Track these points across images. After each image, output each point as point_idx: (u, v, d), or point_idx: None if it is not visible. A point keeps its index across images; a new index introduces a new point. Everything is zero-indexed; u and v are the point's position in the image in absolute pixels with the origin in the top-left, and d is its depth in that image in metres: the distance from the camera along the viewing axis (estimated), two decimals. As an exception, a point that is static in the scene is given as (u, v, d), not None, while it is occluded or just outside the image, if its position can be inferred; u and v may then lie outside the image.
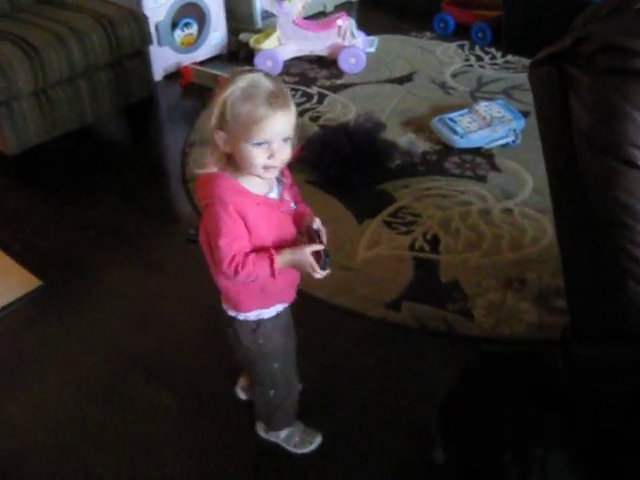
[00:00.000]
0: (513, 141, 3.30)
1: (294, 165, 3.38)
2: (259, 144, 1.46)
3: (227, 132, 1.48)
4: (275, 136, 1.46)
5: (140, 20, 3.34)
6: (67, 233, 2.91)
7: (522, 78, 3.90)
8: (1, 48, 2.98)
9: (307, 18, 4.30)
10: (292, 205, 1.66)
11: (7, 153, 3.12)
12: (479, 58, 4.19)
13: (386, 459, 1.96)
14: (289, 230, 1.64)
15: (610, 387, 1.57)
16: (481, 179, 3.09)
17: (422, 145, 3.34)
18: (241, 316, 1.72)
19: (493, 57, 4.19)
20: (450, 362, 2.25)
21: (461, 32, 4.43)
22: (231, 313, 1.73)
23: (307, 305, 2.47)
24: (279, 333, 1.78)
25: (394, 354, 2.30)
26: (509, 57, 4.16)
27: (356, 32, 4.10)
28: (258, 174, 1.52)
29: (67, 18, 3.23)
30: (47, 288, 2.62)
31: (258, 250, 1.55)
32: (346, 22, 4.04)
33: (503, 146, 3.29)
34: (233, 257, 1.51)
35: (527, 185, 3.04)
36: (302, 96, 3.85)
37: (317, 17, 4.60)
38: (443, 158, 3.25)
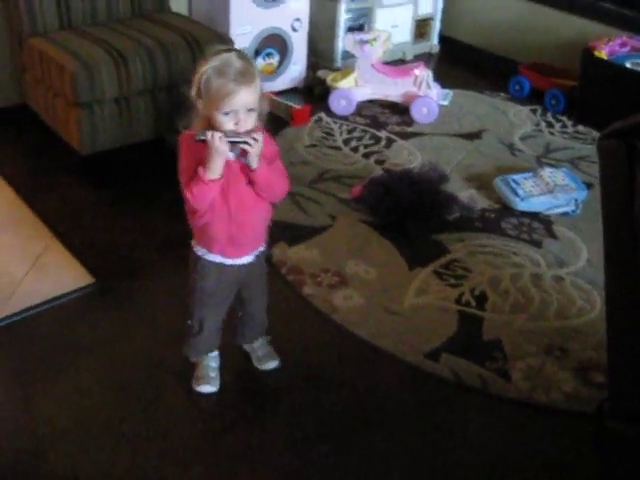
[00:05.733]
0: (573, 210, 3.30)
1: (352, 204, 3.40)
2: (227, 113, 1.79)
3: (203, 100, 1.81)
4: (240, 107, 1.78)
5: (226, 43, 3.44)
6: (127, 236, 2.98)
7: (590, 150, 3.90)
8: (93, 53, 3.12)
9: (385, 64, 4.37)
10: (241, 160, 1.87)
11: (80, 152, 3.23)
12: (550, 124, 4.21)
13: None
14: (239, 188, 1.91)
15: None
16: (536, 244, 3.10)
17: (482, 202, 3.37)
18: (195, 247, 2.06)
19: (564, 125, 4.20)
20: (480, 419, 2.25)
21: (535, 97, 4.46)
22: (192, 241, 2.08)
23: (347, 342, 2.50)
24: (214, 280, 2.07)
25: (425, 403, 2.31)
26: (580, 127, 4.17)
27: (432, 83, 4.17)
28: None
29: (158, 33, 3.36)
30: (99, 286, 2.68)
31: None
32: (423, 72, 4.11)
33: (563, 214, 3.30)
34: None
35: (582, 256, 3.03)
36: (370, 138, 3.91)
37: (395, 64, 4.67)
38: (501, 218, 3.27)
